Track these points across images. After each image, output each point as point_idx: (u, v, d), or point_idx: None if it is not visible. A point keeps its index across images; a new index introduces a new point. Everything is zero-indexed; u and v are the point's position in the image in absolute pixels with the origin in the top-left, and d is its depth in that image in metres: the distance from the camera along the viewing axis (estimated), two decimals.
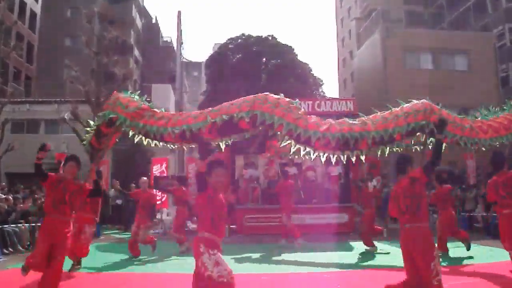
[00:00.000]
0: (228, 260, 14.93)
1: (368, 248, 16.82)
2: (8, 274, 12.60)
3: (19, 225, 17.51)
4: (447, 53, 44.73)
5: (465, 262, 13.39)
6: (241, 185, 24.90)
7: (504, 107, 14.21)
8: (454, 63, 45.00)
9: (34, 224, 18.10)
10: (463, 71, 44.19)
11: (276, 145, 20.51)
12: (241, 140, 24.93)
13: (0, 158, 33.86)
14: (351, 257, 15.41)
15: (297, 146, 12.97)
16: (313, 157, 13.30)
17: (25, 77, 54.41)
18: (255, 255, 16.12)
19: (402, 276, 11.52)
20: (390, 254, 16.04)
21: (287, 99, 13.20)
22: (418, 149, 14.34)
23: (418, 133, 13.24)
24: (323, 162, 14.12)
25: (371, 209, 17.44)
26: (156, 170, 28.00)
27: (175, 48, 39.85)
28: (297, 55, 52.23)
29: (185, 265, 13.89)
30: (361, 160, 16.25)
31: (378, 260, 14.57)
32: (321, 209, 22.71)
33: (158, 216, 26.12)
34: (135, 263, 14.92)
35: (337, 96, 63.13)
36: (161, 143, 14.53)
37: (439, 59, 44.84)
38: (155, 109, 14.12)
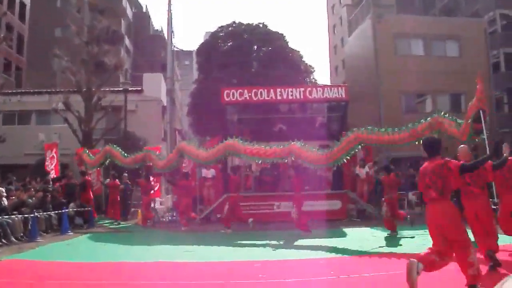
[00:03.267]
0: (220, 248, 15.02)
1: (391, 233, 16.90)
2: (2, 265, 12.57)
3: (12, 216, 17.48)
4: (438, 39, 44.67)
5: None
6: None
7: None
8: (445, 49, 44.94)
9: (27, 216, 18.08)
10: (454, 57, 44.12)
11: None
12: (232, 129, 25.19)
13: None
14: (344, 243, 15.44)
15: None
16: None
17: (16, 68, 54.23)
18: (248, 242, 16.16)
19: (393, 261, 11.61)
20: (381, 239, 16.14)
21: None
22: None
23: None
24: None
25: (393, 194, 17.34)
26: None
27: (166, 37, 39.71)
28: (288, 42, 52.16)
29: (178, 254, 13.97)
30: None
31: (370, 246, 14.59)
32: (314, 196, 22.72)
33: (152, 204, 26.16)
34: (128, 252, 14.95)
35: (329, 83, 63.24)
36: None
37: (430, 45, 44.77)
38: None
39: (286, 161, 21.78)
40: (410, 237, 15.91)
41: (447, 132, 17.23)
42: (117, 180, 25.46)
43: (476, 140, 15.67)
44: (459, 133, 16.22)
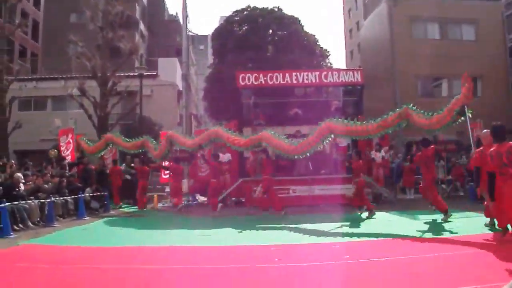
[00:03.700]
0: (236, 232, 14.99)
1: (444, 216, 15.66)
2: (19, 249, 12.63)
3: (29, 201, 17.54)
4: (455, 23, 44.33)
5: (476, 231, 13.30)
6: (249, 157, 24.86)
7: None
8: (462, 33, 44.59)
9: (44, 201, 18.13)
10: (471, 41, 43.76)
11: None
12: (248, 113, 25.14)
13: (8, 136, 33.89)
14: (360, 227, 15.39)
15: None
16: None
17: (31, 55, 54.36)
18: (264, 226, 16.15)
19: (409, 245, 11.55)
20: (397, 223, 16.06)
21: None
22: None
23: None
24: None
25: (431, 174, 16.78)
26: None
27: (181, 22, 39.65)
28: (303, 26, 51.98)
29: (194, 238, 13.96)
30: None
31: (386, 230, 14.53)
32: (330, 180, 22.66)
33: (167, 189, 26.19)
34: (144, 236, 14.97)
35: (344, 67, 62.92)
36: None
37: (446, 29, 44.44)
38: None
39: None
40: (425, 222, 15.81)
41: (416, 122, 18.42)
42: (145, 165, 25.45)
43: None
44: (431, 122, 17.81)
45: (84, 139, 27.69)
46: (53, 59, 50.36)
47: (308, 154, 21.13)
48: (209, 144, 23.85)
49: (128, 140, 25.89)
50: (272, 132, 21.56)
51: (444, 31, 44.32)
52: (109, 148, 27.04)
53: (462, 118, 17.06)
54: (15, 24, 39.24)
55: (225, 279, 8.84)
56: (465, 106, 16.62)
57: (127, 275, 9.34)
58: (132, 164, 26.43)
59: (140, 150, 25.67)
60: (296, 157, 21.54)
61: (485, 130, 12.76)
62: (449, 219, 15.30)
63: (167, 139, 24.37)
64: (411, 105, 19.02)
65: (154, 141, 25.34)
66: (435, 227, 14.30)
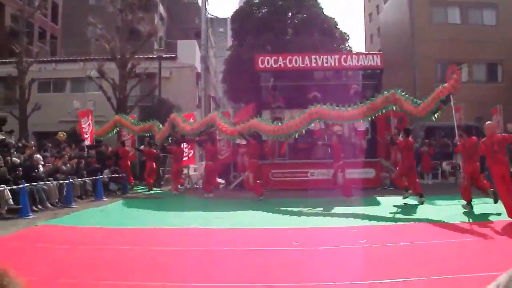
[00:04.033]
0: (254, 215, 15.00)
1: (465, 204, 15.02)
2: (38, 230, 12.71)
3: (47, 182, 17.63)
4: (475, 7, 43.74)
5: (492, 218, 13.21)
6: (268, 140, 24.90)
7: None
8: (482, 17, 44.02)
9: (62, 182, 18.23)
10: (491, 26, 43.22)
11: None
12: (266, 96, 25.17)
13: (27, 118, 34.07)
14: (377, 211, 15.34)
15: None
16: None
17: (51, 37, 54.46)
18: (282, 210, 16.14)
19: (426, 230, 11.52)
20: (415, 208, 16.00)
21: None
22: None
23: None
24: None
25: (474, 163, 16.22)
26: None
27: (200, 4, 39.62)
28: (322, 9, 51.61)
29: (211, 221, 13.99)
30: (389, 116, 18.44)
31: (404, 214, 14.50)
32: (348, 164, 22.65)
33: (185, 171, 26.28)
34: (161, 218, 15.01)
35: (364, 51, 62.60)
36: None
37: (466, 13, 43.86)
38: None
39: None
40: (443, 207, 15.75)
41: (403, 107, 19.62)
42: (153, 148, 25.59)
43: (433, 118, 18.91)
44: (417, 109, 18.74)
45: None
46: (72, 41, 50.43)
47: (292, 135, 22.44)
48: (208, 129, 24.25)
49: (135, 123, 26.73)
50: (260, 119, 22.86)
51: (465, 15, 43.77)
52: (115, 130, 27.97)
53: (445, 106, 18.00)
54: (34, 7, 39.32)
55: (242, 261, 8.85)
56: (451, 96, 17.53)
57: (143, 256, 9.37)
58: (142, 147, 26.63)
59: (147, 134, 26.06)
60: (283, 138, 23.25)
61: (489, 122, 14.27)
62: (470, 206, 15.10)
63: (169, 122, 24.89)
64: (399, 90, 20.01)
65: (161, 126, 25.63)
66: (452, 212, 14.22)
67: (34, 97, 35.14)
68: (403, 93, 19.72)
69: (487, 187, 14.99)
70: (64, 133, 28.22)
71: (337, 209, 15.77)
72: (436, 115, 18.58)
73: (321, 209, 16.03)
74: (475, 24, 42.88)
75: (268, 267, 8.34)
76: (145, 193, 23.85)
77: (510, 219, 12.24)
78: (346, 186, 19.19)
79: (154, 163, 25.21)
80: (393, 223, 12.98)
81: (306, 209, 16.13)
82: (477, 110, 20.59)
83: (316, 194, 19.73)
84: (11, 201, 15.19)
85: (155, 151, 25.39)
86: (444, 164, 26.48)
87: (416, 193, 16.90)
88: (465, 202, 14.97)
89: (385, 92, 20.21)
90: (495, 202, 14.22)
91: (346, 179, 19.46)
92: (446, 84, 17.62)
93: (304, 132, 23.07)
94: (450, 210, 14.88)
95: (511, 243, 9.57)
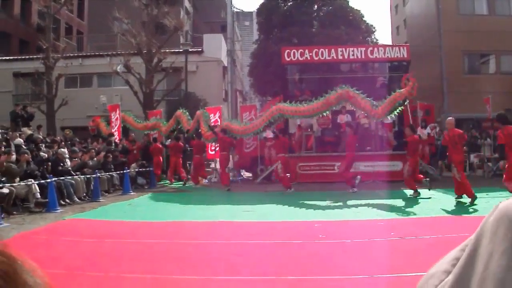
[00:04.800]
0: (281, 208, 14.97)
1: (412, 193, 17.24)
2: (65, 224, 12.80)
3: (75, 177, 17.74)
4: None
5: None
6: (295, 133, 24.83)
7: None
8: (510, 7, 43.48)
9: (89, 176, 18.34)
10: None
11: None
12: (293, 89, 25.22)
13: (55, 113, 34.29)
14: (404, 204, 15.24)
15: None
16: None
17: (77, 32, 54.88)
18: (309, 203, 16.07)
19: (453, 223, 11.42)
20: (442, 201, 15.88)
21: None
22: None
23: None
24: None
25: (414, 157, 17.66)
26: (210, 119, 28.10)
27: None
28: (348, 1, 51.42)
29: (238, 214, 13.98)
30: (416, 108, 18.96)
31: (431, 207, 14.38)
32: (375, 157, 22.52)
33: (212, 165, 26.32)
34: (188, 211, 15.03)
35: (390, 43, 62.26)
36: None
37: (494, 4, 43.33)
38: None
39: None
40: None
41: (358, 105, 20.88)
42: (180, 141, 25.61)
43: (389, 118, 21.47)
44: (376, 111, 20.00)
45: (102, 120, 29.47)
46: (98, 36, 50.72)
47: (258, 133, 23.38)
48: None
49: (138, 121, 28.05)
50: (232, 120, 24.95)
51: (492, 6, 43.23)
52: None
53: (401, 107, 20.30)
54: (61, 3, 39.48)
55: (269, 254, 8.83)
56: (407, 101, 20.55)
57: (170, 249, 9.39)
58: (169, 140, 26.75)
59: (151, 131, 27.39)
60: (251, 136, 24.28)
61: (450, 118, 16.73)
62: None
63: (174, 118, 25.96)
64: (354, 88, 20.93)
65: (165, 122, 26.67)
66: (480, 205, 14.08)
67: (61, 92, 35.35)
68: (359, 92, 20.64)
69: (422, 178, 18.04)
70: (71, 131, 28.55)
71: (364, 202, 15.66)
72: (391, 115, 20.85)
73: (348, 202, 15.95)
74: (502, 15, 42.35)
75: (295, 260, 8.32)
76: (171, 186, 23.91)
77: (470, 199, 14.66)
78: (349, 178, 19.28)
79: (180, 157, 25.21)
80: (420, 216, 12.86)
81: (332, 202, 16.08)
82: (505, 101, 20.33)
83: (343, 187, 19.60)
84: (38, 195, 15.32)
85: (181, 143, 25.39)
86: (472, 156, 26.23)
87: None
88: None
89: (339, 89, 20.99)
90: (429, 189, 17.76)
91: (351, 172, 19.69)
92: (403, 90, 19.28)
93: (330, 125, 23.01)
94: (477, 202, 14.69)
95: None
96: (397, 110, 20.23)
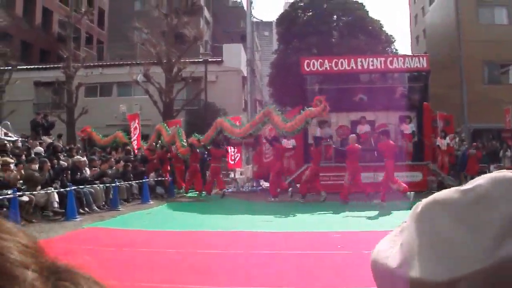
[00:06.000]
0: (300, 218, 14.95)
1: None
2: (84, 232, 12.85)
3: (94, 185, 17.81)
4: None
5: None
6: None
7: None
8: None
9: (108, 185, 18.41)
10: None
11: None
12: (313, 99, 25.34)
13: (75, 121, 34.50)
14: None
15: None
16: None
17: (97, 42, 55.38)
18: (328, 213, 16.05)
19: None
20: None
21: None
22: None
23: None
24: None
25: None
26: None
27: (245, 7, 39.65)
28: (368, 12, 51.43)
29: (256, 224, 13.96)
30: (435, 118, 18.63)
31: None
32: (397, 168, 22.49)
33: (232, 175, 26.37)
34: (207, 221, 15.04)
35: (410, 53, 62.12)
36: None
37: None
38: None
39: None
40: None
41: (273, 120, 22.47)
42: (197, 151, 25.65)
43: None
44: (285, 125, 21.76)
45: (94, 130, 30.26)
46: (118, 46, 51.05)
47: (249, 134, 24.08)
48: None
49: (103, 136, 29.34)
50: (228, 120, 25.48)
51: None
52: None
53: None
54: (81, 13, 39.80)
55: (287, 264, 8.80)
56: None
57: (188, 259, 9.39)
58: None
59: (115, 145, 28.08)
60: (243, 139, 24.79)
61: (352, 135, 19.56)
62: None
63: (215, 126, 25.52)
64: (273, 106, 24.71)
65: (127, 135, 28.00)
66: None
67: (81, 101, 35.65)
68: (276, 109, 24.03)
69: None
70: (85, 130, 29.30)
71: (382, 212, 15.64)
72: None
73: (367, 212, 15.89)
74: None
75: (313, 271, 8.29)
76: (190, 196, 23.93)
77: None
78: (345, 191, 19.43)
79: (197, 166, 25.20)
80: None
81: (351, 212, 16.02)
82: None
83: (362, 198, 19.54)
84: (55, 204, 15.39)
85: (198, 153, 25.38)
86: (491, 167, 26.07)
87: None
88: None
89: (263, 109, 24.64)
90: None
91: (350, 184, 19.76)
92: (314, 109, 20.90)
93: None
94: None
95: None
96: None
